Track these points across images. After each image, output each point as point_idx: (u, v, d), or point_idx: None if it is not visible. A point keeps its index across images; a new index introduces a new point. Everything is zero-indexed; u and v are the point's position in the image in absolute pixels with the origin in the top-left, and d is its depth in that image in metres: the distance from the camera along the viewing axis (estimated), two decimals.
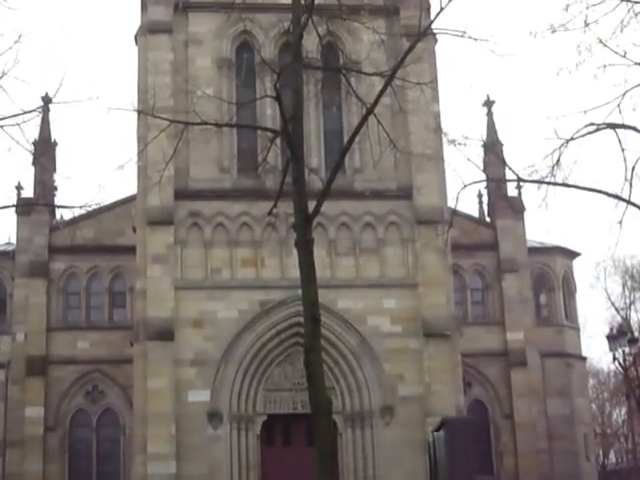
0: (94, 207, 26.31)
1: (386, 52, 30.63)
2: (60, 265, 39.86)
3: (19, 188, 40.22)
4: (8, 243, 43.53)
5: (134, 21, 34.26)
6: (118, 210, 39.21)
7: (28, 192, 39.94)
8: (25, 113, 25.55)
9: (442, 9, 21.77)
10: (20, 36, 25.04)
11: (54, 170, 38.21)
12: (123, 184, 38.52)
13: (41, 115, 28.95)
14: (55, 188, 36.55)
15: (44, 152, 36.67)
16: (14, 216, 39.77)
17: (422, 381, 31.13)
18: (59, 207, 31.44)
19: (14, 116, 25.34)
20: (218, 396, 30.88)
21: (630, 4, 23.31)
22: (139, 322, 31.31)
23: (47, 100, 29.04)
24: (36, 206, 38.79)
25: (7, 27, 25.32)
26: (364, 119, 21.11)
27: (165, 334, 30.46)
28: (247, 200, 31.85)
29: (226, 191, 32.35)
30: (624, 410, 64.20)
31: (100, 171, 28.37)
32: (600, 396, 71.73)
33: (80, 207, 25.38)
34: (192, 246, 31.90)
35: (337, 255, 32.21)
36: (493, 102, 42.68)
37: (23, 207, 38.73)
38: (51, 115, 38.49)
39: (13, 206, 31.40)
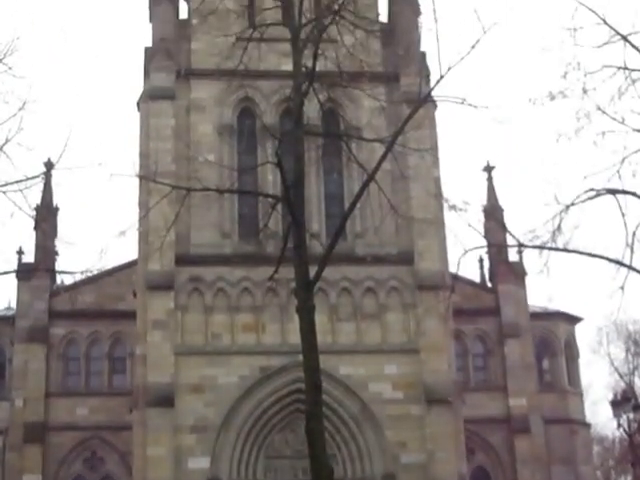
0: (95, 272, 26.42)
1: (386, 118, 30.95)
2: (60, 330, 39.81)
3: (20, 253, 40.24)
4: (8, 308, 43.47)
5: (136, 88, 34.55)
6: (119, 275, 39.23)
7: (29, 257, 39.98)
8: (28, 179, 25.68)
9: (442, 77, 21.99)
10: (24, 103, 25.33)
11: (55, 235, 38.23)
12: (124, 249, 38.41)
13: (43, 181, 29.10)
14: (56, 253, 36.63)
15: (46, 217, 36.69)
16: (14, 281, 39.80)
17: (424, 448, 30.79)
18: (60, 273, 31.45)
19: (17, 182, 25.45)
20: (218, 463, 30.52)
21: (627, 72, 23.60)
22: (139, 388, 31.07)
23: (50, 166, 29.06)
24: (37, 271, 38.79)
25: (12, 94, 25.67)
26: (365, 185, 21.17)
27: (165, 401, 30.18)
28: (248, 265, 31.81)
29: (227, 256, 32.32)
30: (630, 478, 63.36)
31: (101, 236, 28.39)
32: (605, 463, 70.90)
33: (81, 273, 25.40)
34: (193, 311, 31.78)
35: (338, 320, 32.07)
36: (493, 167, 42.96)
37: (24, 272, 38.72)
38: (53, 180, 38.62)
39: (14, 272, 31.40)
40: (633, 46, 23.74)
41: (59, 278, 39.59)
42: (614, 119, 23.69)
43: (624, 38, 23.74)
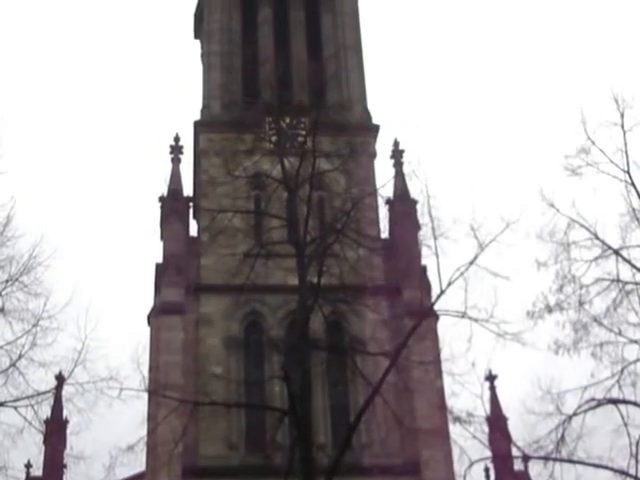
0: None
1: (390, 330, 31.62)
2: None
3: (28, 466, 39.96)
4: None
5: (147, 302, 35.50)
6: None
7: (37, 470, 39.61)
8: (39, 394, 26.23)
9: (442, 292, 23.09)
10: (38, 320, 26.21)
11: (64, 447, 38.20)
12: (131, 460, 38.30)
13: (54, 394, 29.49)
14: (64, 466, 36.45)
15: (55, 430, 36.86)
16: None
17: None
18: None
19: (28, 397, 26.00)
20: None
21: (621, 284, 24.53)
22: None
23: (61, 380, 29.55)
24: None
25: (27, 312, 26.51)
26: (370, 399, 21.73)
27: None
28: (255, 478, 31.37)
29: (234, 469, 32.08)
30: None
31: (110, 448, 28.57)
32: None
33: None
34: None
35: None
36: (495, 376, 43.16)
37: None
38: (64, 392, 38.86)
39: None
40: (625, 260, 24.78)
41: None
42: (611, 330, 24.45)
43: (616, 252, 24.80)
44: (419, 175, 26.19)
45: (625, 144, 25.23)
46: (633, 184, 25.13)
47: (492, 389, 42.78)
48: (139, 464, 33.36)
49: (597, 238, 24.96)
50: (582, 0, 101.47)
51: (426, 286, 31.85)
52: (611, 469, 23.90)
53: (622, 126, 25.26)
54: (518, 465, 41.31)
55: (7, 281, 26.01)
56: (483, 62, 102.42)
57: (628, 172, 25.20)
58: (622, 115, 25.29)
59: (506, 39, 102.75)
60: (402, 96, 74.89)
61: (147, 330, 34.71)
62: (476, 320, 23.62)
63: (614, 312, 24.36)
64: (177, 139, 38.11)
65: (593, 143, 25.41)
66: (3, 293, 25.96)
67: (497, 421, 36.44)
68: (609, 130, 25.48)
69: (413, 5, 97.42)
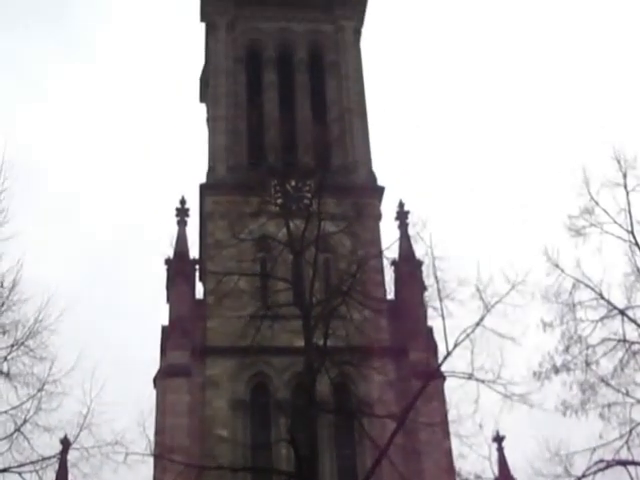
0: None
1: (396, 392, 31.50)
2: None
3: None
4: None
5: (153, 363, 35.45)
6: None
7: None
8: (44, 459, 26.03)
9: (449, 354, 23.12)
10: (44, 384, 26.12)
11: None
12: None
13: (59, 459, 29.28)
14: None
15: None
16: None
17: None
18: None
19: (33, 463, 25.82)
20: None
21: (627, 344, 24.53)
22: None
23: (66, 444, 29.36)
24: None
25: (32, 376, 26.41)
26: (378, 461, 21.65)
27: None
28: None
29: None
30: None
31: None
32: None
33: None
34: None
35: None
36: (503, 437, 42.80)
37: None
38: (69, 457, 38.58)
39: None
40: (631, 320, 24.81)
41: None
42: (618, 391, 24.40)
43: (621, 312, 24.85)
44: (424, 237, 26.41)
45: (628, 204, 25.46)
46: (637, 244, 25.27)
47: (500, 450, 42.34)
48: None
49: (602, 298, 25.04)
50: (581, 61, 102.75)
51: (432, 347, 31.80)
52: None
53: (625, 186, 25.50)
54: None
55: (12, 345, 25.92)
56: (486, 121, 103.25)
57: (632, 232, 25.38)
58: (624, 175, 25.56)
59: (510, 97, 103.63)
60: (407, 157, 75.47)
61: (153, 393, 34.64)
62: (483, 381, 23.64)
63: (621, 372, 24.38)
64: (183, 202, 38.34)
65: (597, 203, 25.64)
66: (8, 357, 25.87)
67: None
68: (612, 190, 25.74)
69: (417, 65, 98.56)
